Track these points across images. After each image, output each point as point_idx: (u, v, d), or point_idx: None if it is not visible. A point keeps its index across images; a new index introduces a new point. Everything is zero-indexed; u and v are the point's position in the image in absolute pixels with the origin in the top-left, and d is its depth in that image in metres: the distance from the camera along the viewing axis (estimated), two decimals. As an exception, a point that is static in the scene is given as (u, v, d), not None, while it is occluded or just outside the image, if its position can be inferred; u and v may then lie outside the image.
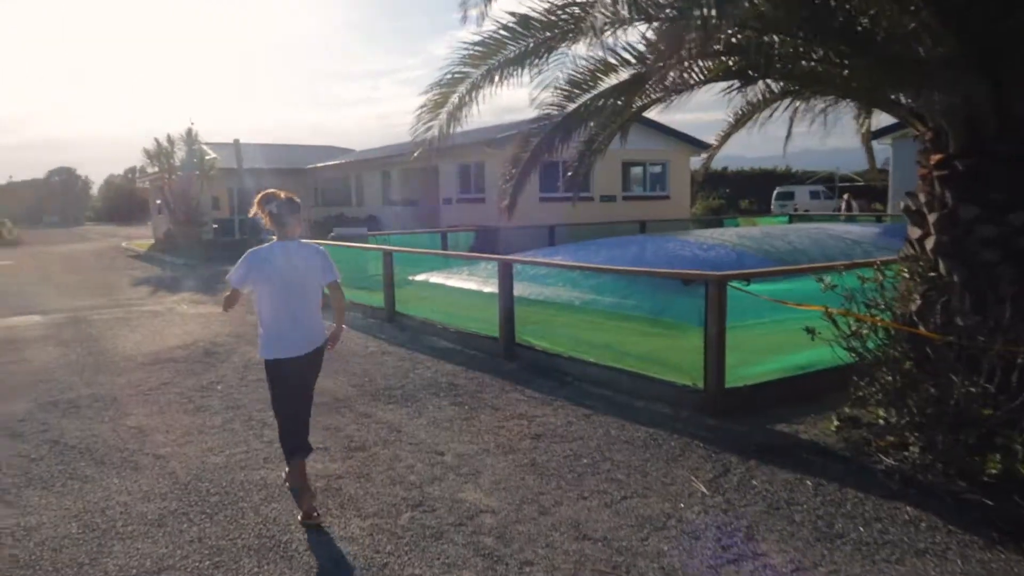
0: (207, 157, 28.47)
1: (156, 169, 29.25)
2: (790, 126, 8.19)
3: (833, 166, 58.52)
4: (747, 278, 5.92)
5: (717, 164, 43.67)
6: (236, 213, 30.87)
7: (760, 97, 7.13)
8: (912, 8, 4.32)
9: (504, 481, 4.62)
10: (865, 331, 4.85)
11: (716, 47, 5.77)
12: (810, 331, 4.90)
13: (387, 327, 10.46)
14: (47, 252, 33.03)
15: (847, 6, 4.64)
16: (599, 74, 5.94)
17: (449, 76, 5.56)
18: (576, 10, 4.75)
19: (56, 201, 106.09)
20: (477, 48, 5.34)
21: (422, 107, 5.88)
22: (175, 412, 6.48)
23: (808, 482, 4.42)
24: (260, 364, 6.99)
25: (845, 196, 42.92)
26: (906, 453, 4.46)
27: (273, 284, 4.29)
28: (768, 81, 6.65)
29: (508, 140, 20.06)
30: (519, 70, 5.32)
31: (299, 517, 4.13)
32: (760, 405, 5.82)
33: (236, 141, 25.21)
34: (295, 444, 4.38)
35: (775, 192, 44.55)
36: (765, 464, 4.72)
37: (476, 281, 13.06)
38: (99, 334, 10.62)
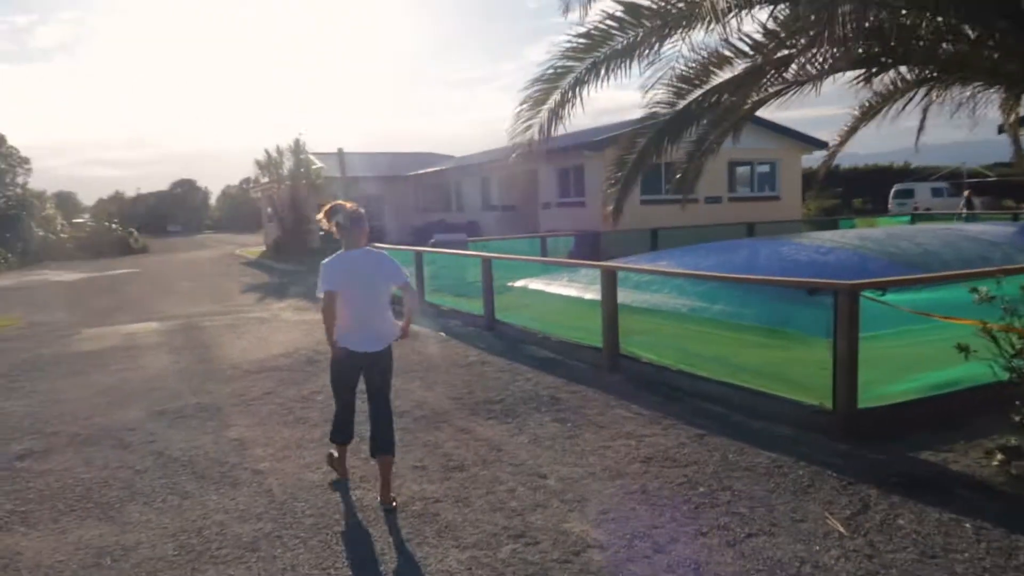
0: (313, 167, 29.35)
1: (266, 179, 30.40)
2: (923, 118, 7.48)
3: (957, 160, 54.66)
4: (882, 287, 5.31)
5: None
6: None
7: (892, 87, 6.48)
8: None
9: (613, 510, 4.25)
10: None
11: (846, 31, 5.22)
12: (963, 349, 4.29)
13: (487, 335, 10.24)
14: (169, 259, 34.90)
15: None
16: (712, 68, 5.50)
17: (551, 71, 5.24)
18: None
19: (179, 211, 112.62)
20: (581, 40, 5.00)
21: (522, 104, 5.59)
22: (276, 424, 6.43)
23: (967, 524, 3.83)
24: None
25: (965, 192, 39.88)
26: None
27: (345, 291, 4.54)
28: (902, 69, 6.02)
29: (608, 143, 19.62)
30: (627, 62, 4.95)
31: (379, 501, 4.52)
32: (898, 429, 5.21)
33: (340, 150, 25.83)
34: (346, 435, 4.90)
35: (893, 190, 41.91)
36: (911, 500, 4.15)
37: (577, 287, 12.70)
38: (209, 341, 10.90)
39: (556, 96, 5.47)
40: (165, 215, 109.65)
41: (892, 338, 5.98)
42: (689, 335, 8.23)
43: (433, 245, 16.20)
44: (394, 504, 4.45)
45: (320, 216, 4.83)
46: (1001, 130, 20.38)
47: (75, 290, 20.88)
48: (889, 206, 41.04)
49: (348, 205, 4.78)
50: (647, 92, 5.71)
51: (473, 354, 9.05)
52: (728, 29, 4.94)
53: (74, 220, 51.10)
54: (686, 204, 20.93)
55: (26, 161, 42.29)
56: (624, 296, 9.15)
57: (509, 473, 4.95)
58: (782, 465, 4.77)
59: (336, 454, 5.01)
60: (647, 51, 4.88)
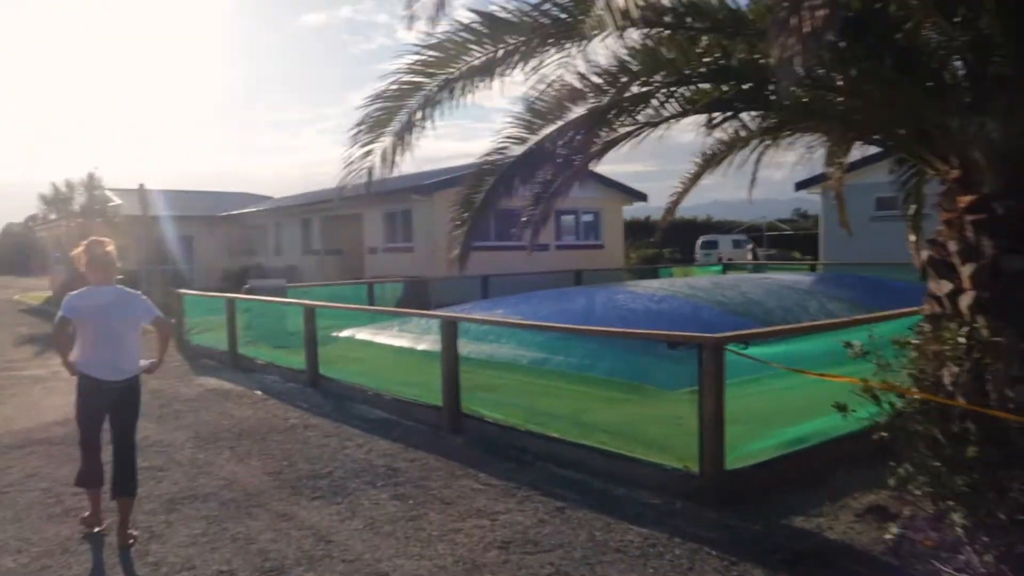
0: (110, 204, 26.51)
1: (54, 216, 27.04)
2: (755, 169, 7.53)
3: (749, 215, 60.18)
4: (745, 340, 5.03)
5: (641, 213, 43.90)
6: (143, 263, 28.77)
7: (736, 135, 6.41)
8: (963, 17, 3.59)
9: (472, 618, 3.50)
10: (907, 407, 3.99)
11: (701, 68, 4.98)
12: (842, 408, 4.00)
13: (310, 393, 9.17)
14: (-75, 306, 29.96)
15: (881, 20, 3.88)
16: (566, 103, 5.03)
17: (395, 87, 4.53)
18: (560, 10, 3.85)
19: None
20: (432, 54, 4.35)
21: (359, 125, 4.80)
22: (36, 519, 5.09)
23: (863, 607, 3.47)
24: (152, 445, 5.71)
25: (749, 245, 43.64)
26: (977, 559, 3.58)
27: (87, 322, 4.67)
28: (748, 115, 5.93)
29: (439, 186, 19.19)
30: (487, 80, 4.36)
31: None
32: (765, 490, 4.90)
33: (141, 186, 23.45)
34: (96, 473, 4.76)
35: (699, 241, 45.06)
36: (800, 580, 3.76)
37: (409, 338, 11.89)
38: (-38, 408, 8.96)
39: (402, 116, 4.75)
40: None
41: (750, 392, 5.76)
42: (536, 390, 7.71)
43: (247, 291, 14.76)
44: (132, 542, 4.53)
45: (78, 250, 4.91)
46: (800, 186, 22.23)
47: None
48: (696, 255, 44.00)
49: (104, 242, 4.93)
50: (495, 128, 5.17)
51: (294, 416, 7.97)
52: (585, 56, 4.53)
53: None
54: (512, 251, 20.92)
55: None
56: (463, 348, 8.53)
57: (341, 573, 4.06)
58: (656, 543, 4.25)
59: (89, 507, 4.84)
60: (507, 70, 4.34)
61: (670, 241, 50.45)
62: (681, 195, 7.59)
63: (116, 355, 4.71)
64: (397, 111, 4.67)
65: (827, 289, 12.40)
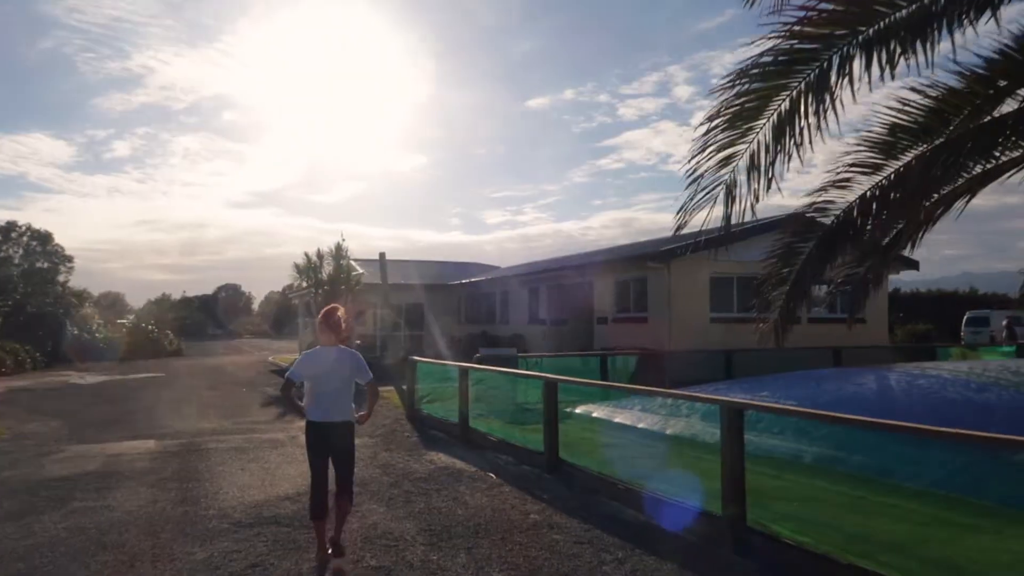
0: (353, 272, 28.04)
1: (305, 284, 29.10)
2: None
3: (1003, 288, 51.97)
4: None
5: (906, 286, 38.77)
6: (379, 328, 30.09)
7: None
8: None
9: None
10: None
11: None
12: None
13: (549, 481, 8.03)
14: (199, 364, 33.41)
15: None
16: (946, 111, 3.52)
17: (771, 57, 3.18)
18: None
19: (221, 315, 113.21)
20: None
21: (712, 121, 3.53)
22: (252, 629, 4.28)
23: None
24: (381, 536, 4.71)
25: (1004, 321, 36.68)
26: None
27: (317, 377, 5.51)
28: None
29: (674, 254, 17.82)
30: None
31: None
32: None
33: (381, 255, 24.45)
34: (322, 506, 5.46)
35: (966, 317, 39.17)
36: None
37: (654, 418, 10.53)
38: (205, 470, 8.86)
39: (779, 104, 3.45)
40: (207, 319, 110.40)
41: None
42: (838, 500, 5.96)
43: (478, 361, 14.20)
44: (342, 546, 5.51)
45: (319, 318, 5.75)
46: None
47: (87, 395, 19.19)
48: (961, 334, 38.15)
49: (338, 307, 5.82)
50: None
51: (535, 510, 6.83)
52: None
53: (117, 321, 50.48)
54: (756, 323, 18.85)
55: (69, 259, 42.06)
56: (701, 429, 7.02)
57: None
58: None
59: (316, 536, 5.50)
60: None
61: (922, 317, 44.43)
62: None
63: (333, 405, 5.53)
64: (774, 95, 3.37)
65: None
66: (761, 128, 3.50)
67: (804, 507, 5.77)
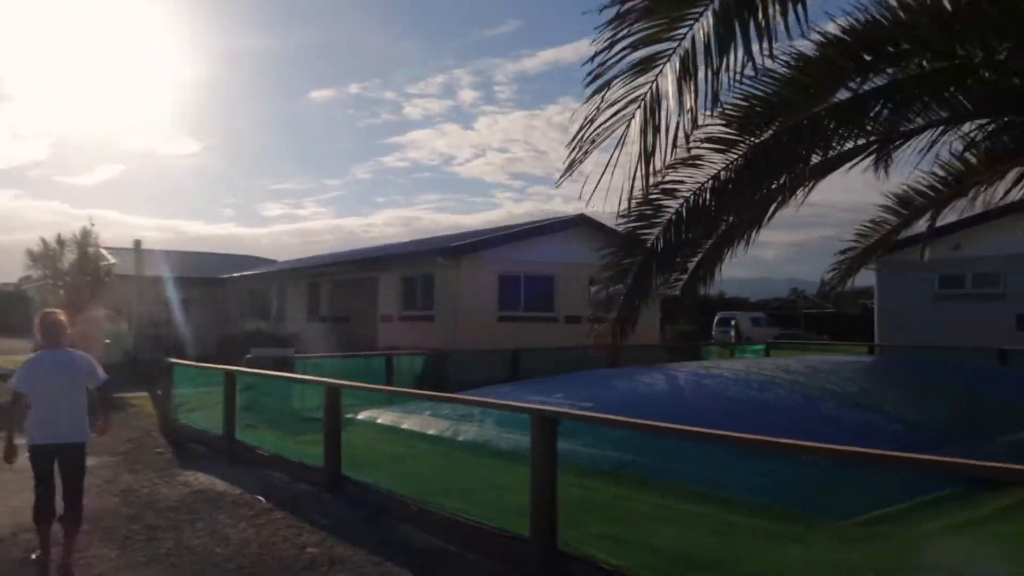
0: (103, 263, 24.61)
1: (40, 274, 25.09)
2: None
3: (751, 293, 58.78)
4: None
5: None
6: (135, 326, 26.69)
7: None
8: None
9: None
10: None
11: None
12: None
13: (329, 501, 7.01)
14: None
15: None
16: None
17: None
18: None
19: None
20: None
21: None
22: None
23: None
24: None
25: (733, 321, 41.40)
26: None
27: (45, 385, 5.19)
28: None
29: (465, 250, 17.33)
30: None
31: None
32: None
33: (136, 243, 21.62)
34: (48, 509, 5.21)
35: (717, 317, 43.16)
36: None
37: (444, 424, 9.82)
38: None
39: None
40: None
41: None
42: (659, 513, 5.58)
43: (249, 363, 12.67)
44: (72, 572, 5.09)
45: (36, 322, 5.56)
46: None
47: None
48: (713, 333, 41.98)
49: (52, 312, 5.57)
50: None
51: (312, 541, 5.80)
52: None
53: None
54: (542, 323, 18.90)
55: None
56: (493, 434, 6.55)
57: None
58: None
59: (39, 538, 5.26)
60: None
61: (684, 318, 48.04)
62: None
63: (61, 418, 5.18)
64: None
65: (951, 377, 10.33)
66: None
67: (613, 522, 5.32)
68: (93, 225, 24.53)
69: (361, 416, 10.68)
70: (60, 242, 24.15)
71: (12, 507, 6.93)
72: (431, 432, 9.61)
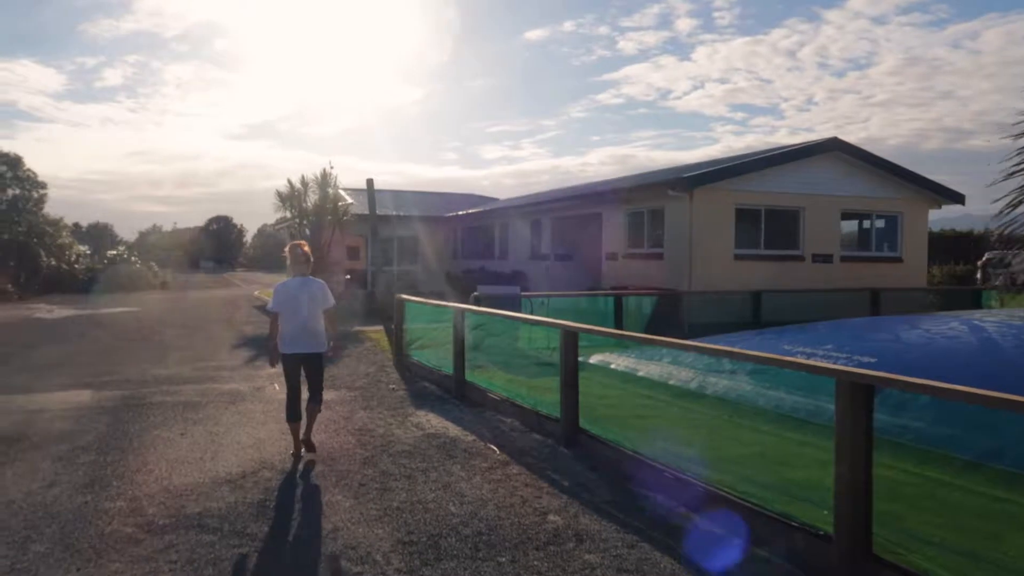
0: (340, 203, 25.94)
1: (288, 214, 27.01)
2: None
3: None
4: None
5: (945, 224, 36.58)
6: (370, 264, 28.19)
7: None
8: None
9: None
10: None
11: None
12: None
13: (567, 458, 6.27)
14: (180, 297, 31.65)
15: None
16: None
17: None
18: None
19: (214, 248, 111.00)
20: None
21: None
22: None
23: None
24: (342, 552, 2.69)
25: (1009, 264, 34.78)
26: None
27: (292, 305, 6.24)
28: None
29: (698, 181, 15.78)
30: None
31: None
32: None
33: (369, 182, 22.33)
34: (296, 412, 6.36)
35: (984, 258, 37.35)
36: None
37: (688, 373, 8.78)
38: (136, 436, 7.10)
39: None
40: (200, 251, 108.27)
41: None
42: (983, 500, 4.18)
43: (475, 300, 12.38)
44: (312, 443, 6.45)
45: (285, 251, 6.57)
46: None
47: (42, 332, 17.38)
48: (979, 277, 36.42)
49: (304, 245, 6.56)
50: None
51: (554, 507, 5.07)
52: None
53: (108, 253, 48.34)
54: (787, 262, 16.93)
55: (43, 186, 39.73)
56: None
57: None
58: None
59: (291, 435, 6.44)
60: None
61: (941, 258, 42.24)
62: None
63: (305, 332, 6.27)
64: None
65: None
66: None
67: (943, 523, 4.01)
68: (332, 168, 25.88)
69: (593, 360, 9.94)
70: (304, 183, 25.70)
71: (258, 439, 6.98)
72: (672, 382, 8.62)
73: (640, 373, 9.24)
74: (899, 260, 18.06)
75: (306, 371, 6.40)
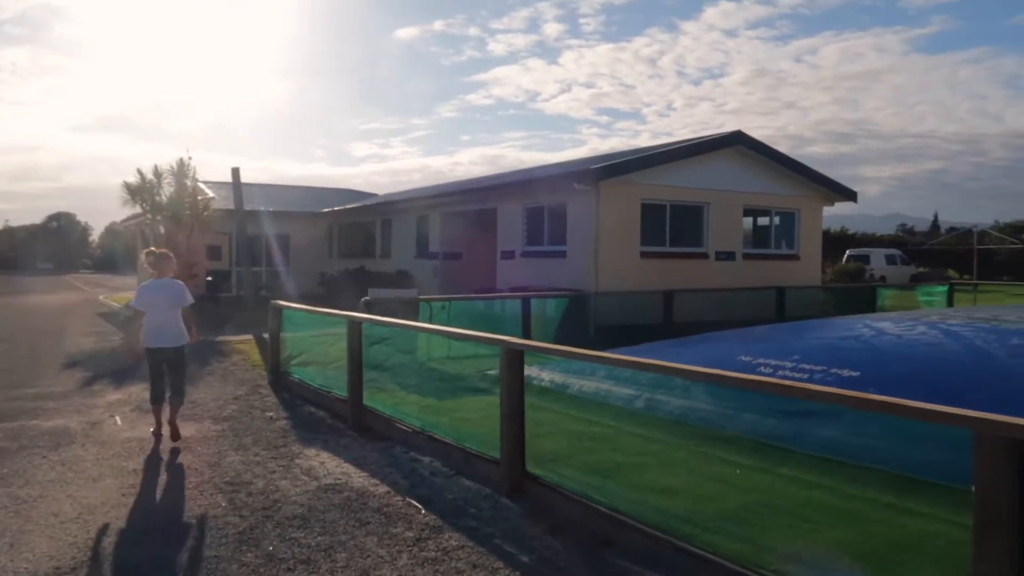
0: (201, 196, 23.17)
1: (139, 209, 23.86)
2: None
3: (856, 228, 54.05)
4: None
5: (835, 222, 37.91)
6: (235, 264, 25.48)
7: None
8: None
9: None
10: None
11: None
12: None
13: (515, 516, 4.80)
14: (7, 303, 27.55)
15: None
16: None
17: None
18: None
19: (55, 248, 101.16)
20: None
21: None
22: None
23: None
24: None
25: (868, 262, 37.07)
26: None
27: (153, 305, 6.82)
28: None
29: (604, 174, 14.68)
30: None
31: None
32: None
33: (235, 171, 19.84)
34: (160, 396, 6.93)
35: (846, 255, 39.06)
36: None
37: (628, 389, 7.52)
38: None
39: None
40: (36, 251, 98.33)
41: None
42: None
43: (367, 306, 10.65)
44: (178, 430, 6.81)
45: (143, 256, 7.45)
46: None
47: None
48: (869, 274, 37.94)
49: (160, 249, 7.26)
50: None
51: (525, 607, 3.57)
52: None
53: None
54: (691, 260, 16.19)
55: None
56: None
57: None
58: None
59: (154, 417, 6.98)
60: None
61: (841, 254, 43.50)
62: None
63: (166, 328, 6.83)
64: None
65: None
66: None
67: None
68: (190, 158, 23.05)
69: (528, 373, 8.51)
70: (157, 174, 22.65)
71: (86, 506, 5.03)
72: (614, 402, 7.33)
73: (572, 391, 7.91)
74: (796, 258, 17.80)
75: (168, 366, 6.88)
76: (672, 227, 15.93)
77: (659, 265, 15.39)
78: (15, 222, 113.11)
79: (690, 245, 16.21)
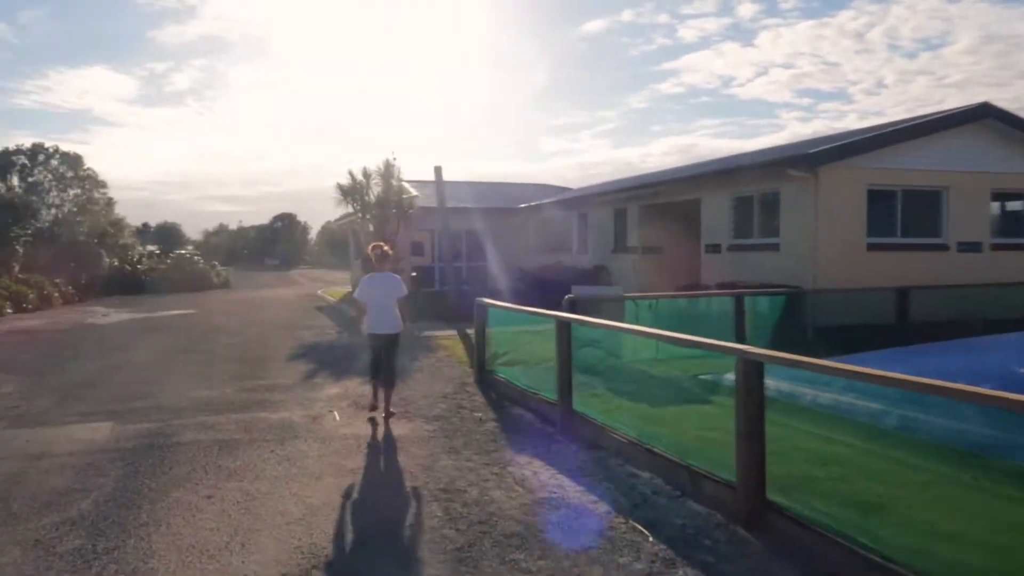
0: (405, 195, 24.20)
1: (350, 208, 25.38)
2: None
3: None
4: None
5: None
6: (437, 260, 26.39)
7: None
8: None
9: None
10: None
11: None
12: None
13: (757, 553, 4.17)
14: (241, 298, 30.47)
15: None
16: None
17: None
18: None
19: (279, 245, 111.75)
20: None
21: None
22: None
23: None
24: None
25: None
26: None
27: (373, 296, 7.76)
28: None
29: (824, 158, 13.35)
30: None
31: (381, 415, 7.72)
32: None
33: (437, 169, 20.40)
34: (379, 379, 7.84)
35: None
36: None
37: (873, 400, 6.54)
38: (148, 500, 5.27)
39: None
40: (264, 249, 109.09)
41: None
42: None
43: (570, 303, 10.30)
44: (392, 412, 7.74)
45: (368, 251, 8.21)
46: None
47: (90, 341, 16.03)
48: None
49: (384, 245, 8.12)
50: None
51: None
52: None
53: (173, 252, 47.95)
54: (927, 252, 14.35)
55: (103, 185, 39.26)
56: None
57: None
58: None
59: (371, 389, 8.06)
60: None
61: None
62: None
63: (385, 317, 7.75)
64: None
65: None
66: None
67: None
68: (395, 158, 24.13)
69: (729, 377, 7.79)
70: (366, 175, 24.02)
71: (309, 507, 5.05)
72: (858, 417, 6.39)
73: (804, 401, 7.04)
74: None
75: (385, 350, 7.76)
76: (904, 215, 14.18)
77: (889, 258, 13.75)
78: (247, 223, 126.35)
79: (926, 236, 14.34)
